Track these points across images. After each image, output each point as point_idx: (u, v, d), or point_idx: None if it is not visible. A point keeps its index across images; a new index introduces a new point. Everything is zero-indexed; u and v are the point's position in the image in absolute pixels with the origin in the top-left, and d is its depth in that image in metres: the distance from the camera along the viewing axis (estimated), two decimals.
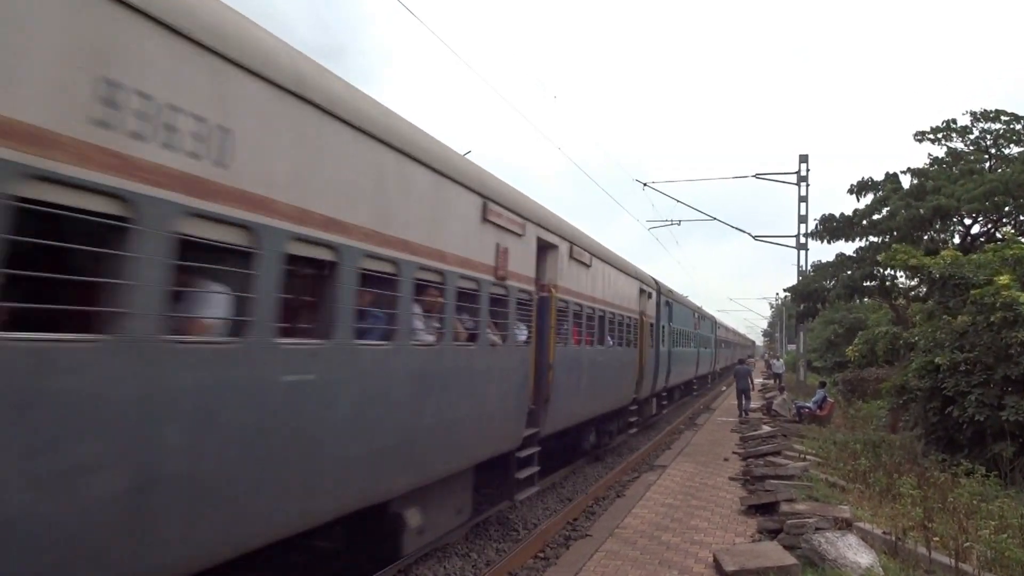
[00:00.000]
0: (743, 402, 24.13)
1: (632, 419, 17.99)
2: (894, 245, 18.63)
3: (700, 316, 33.63)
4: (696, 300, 36.56)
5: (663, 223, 38.40)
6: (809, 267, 31.82)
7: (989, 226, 24.53)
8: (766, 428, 18.90)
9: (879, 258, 19.35)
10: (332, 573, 7.50)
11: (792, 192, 33.84)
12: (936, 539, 8.29)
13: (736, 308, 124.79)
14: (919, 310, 16.80)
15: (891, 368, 23.53)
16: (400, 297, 6.27)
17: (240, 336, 4.49)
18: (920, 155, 62.62)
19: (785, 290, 32.63)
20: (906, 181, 25.40)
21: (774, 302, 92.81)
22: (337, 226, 5.38)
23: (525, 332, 9.60)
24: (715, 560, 7.52)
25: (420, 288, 6.72)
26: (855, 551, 7.28)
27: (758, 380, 39.68)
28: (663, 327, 22.20)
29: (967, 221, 24.52)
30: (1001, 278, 13.82)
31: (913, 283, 19.07)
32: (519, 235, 9.34)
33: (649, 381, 19.39)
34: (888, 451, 15.17)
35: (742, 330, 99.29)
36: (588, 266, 12.99)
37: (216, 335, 4.42)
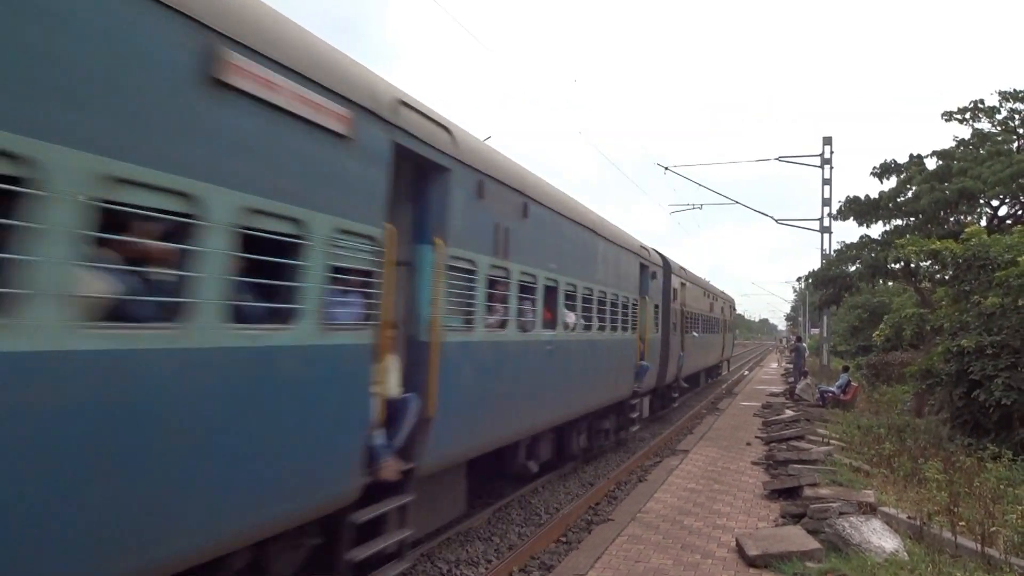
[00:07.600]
0: (796, 374, 27.48)
1: (633, 415, 16.06)
2: (898, 241, 18.32)
3: (715, 297, 32.91)
4: (720, 284, 36.27)
5: (685, 207, 38.43)
6: (832, 251, 31.40)
7: (1017, 208, 24.09)
8: (789, 412, 18.78)
9: (898, 242, 19.14)
10: None
11: (816, 175, 33.57)
12: (962, 524, 8.23)
13: (759, 292, 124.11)
14: (944, 294, 16.57)
15: (916, 352, 23.29)
16: None
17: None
18: (946, 137, 61.57)
19: (800, 279, 32.06)
20: (931, 164, 24.98)
21: (796, 286, 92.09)
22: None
23: (358, 309, 5.75)
24: (738, 544, 7.52)
25: None
26: (879, 536, 7.25)
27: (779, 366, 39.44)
28: (673, 310, 20.45)
29: (994, 203, 24.09)
30: None
31: (936, 268, 18.80)
32: (342, 135, 5.27)
33: (653, 371, 17.67)
34: (913, 435, 15.05)
35: (764, 314, 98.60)
36: (544, 222, 9.91)
37: None
